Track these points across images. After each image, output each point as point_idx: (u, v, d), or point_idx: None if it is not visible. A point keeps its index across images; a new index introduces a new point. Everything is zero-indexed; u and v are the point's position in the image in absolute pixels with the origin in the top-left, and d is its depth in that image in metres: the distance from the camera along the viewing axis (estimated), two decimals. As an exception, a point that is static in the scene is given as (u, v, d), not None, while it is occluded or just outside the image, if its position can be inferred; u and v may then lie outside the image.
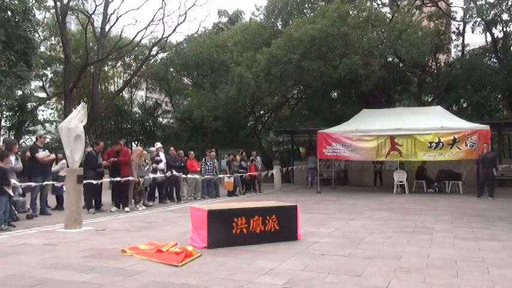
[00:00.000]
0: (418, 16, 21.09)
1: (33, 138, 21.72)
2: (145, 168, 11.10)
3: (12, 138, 19.11)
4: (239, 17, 31.01)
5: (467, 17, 22.33)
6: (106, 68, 26.77)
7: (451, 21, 23.78)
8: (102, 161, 10.62)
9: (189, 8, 24.32)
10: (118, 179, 10.22)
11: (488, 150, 13.53)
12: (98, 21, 22.41)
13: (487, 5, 20.49)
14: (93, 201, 10.33)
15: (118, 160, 10.33)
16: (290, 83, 22.11)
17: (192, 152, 14.36)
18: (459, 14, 23.59)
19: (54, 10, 20.07)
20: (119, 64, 28.26)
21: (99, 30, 21.62)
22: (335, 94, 25.78)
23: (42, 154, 9.46)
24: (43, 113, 25.41)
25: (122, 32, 22.97)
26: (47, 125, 22.36)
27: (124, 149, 11.07)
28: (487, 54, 22.84)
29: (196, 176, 13.48)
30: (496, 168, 13.37)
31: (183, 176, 13.06)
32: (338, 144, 15.22)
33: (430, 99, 23.75)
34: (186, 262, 4.93)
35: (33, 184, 8.94)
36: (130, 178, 10.38)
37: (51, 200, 10.75)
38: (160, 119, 31.19)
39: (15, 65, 13.97)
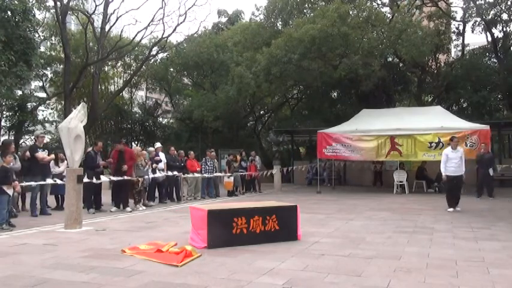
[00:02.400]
0: (418, 16, 21.08)
1: (33, 138, 21.77)
2: (145, 169, 11.09)
3: (12, 138, 19.13)
4: (239, 17, 31.02)
5: (467, 16, 22.33)
6: (106, 68, 26.77)
7: (451, 21, 23.78)
8: (100, 161, 10.59)
9: (189, 8, 24.33)
10: (119, 178, 10.18)
11: (487, 150, 13.51)
12: (98, 21, 22.43)
13: (487, 5, 20.48)
14: (93, 201, 10.32)
15: (127, 167, 10.24)
16: (290, 83, 22.12)
17: (192, 152, 14.36)
18: (459, 14, 23.63)
19: (54, 10, 20.07)
20: (119, 64, 28.26)
21: (99, 30, 21.62)
22: (335, 94, 25.78)
23: (41, 154, 9.47)
24: (43, 113, 25.37)
25: (122, 32, 22.98)
26: (47, 125, 22.35)
27: (128, 150, 10.92)
28: (487, 54, 22.83)
29: (197, 175, 13.47)
30: (494, 169, 13.35)
31: (183, 176, 13.06)
32: (338, 144, 15.22)
33: (430, 99, 23.74)
34: (186, 262, 4.93)
35: (33, 184, 8.94)
36: (131, 178, 10.39)
37: (52, 200, 10.75)
38: (160, 119, 31.17)
39: (15, 65, 13.96)
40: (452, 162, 9.87)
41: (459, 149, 10.09)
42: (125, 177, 10.28)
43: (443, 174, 10.05)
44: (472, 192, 13.90)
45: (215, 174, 14.21)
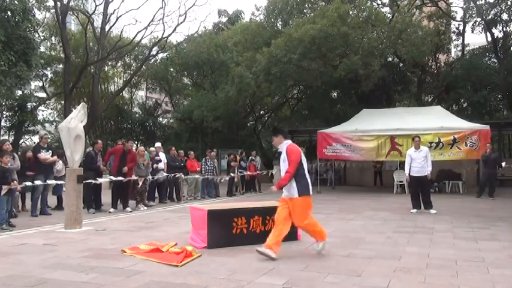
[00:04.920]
0: (418, 16, 21.09)
1: (33, 138, 21.73)
2: (146, 168, 11.09)
3: (12, 138, 19.13)
4: (239, 17, 31.04)
5: (467, 17, 22.31)
6: (106, 68, 26.78)
7: (451, 21, 23.78)
8: (100, 161, 10.52)
9: (189, 8, 24.41)
10: (118, 179, 10.15)
11: (492, 150, 13.50)
12: (98, 21, 22.45)
13: (487, 5, 20.47)
14: (93, 201, 10.29)
15: (127, 169, 10.18)
16: (290, 83, 22.10)
17: (192, 152, 14.35)
18: (459, 14, 23.62)
19: (54, 10, 20.09)
20: (119, 64, 28.29)
21: (99, 30, 21.64)
22: (335, 94, 25.76)
23: (44, 155, 9.44)
24: (43, 113, 25.39)
25: (122, 32, 23.01)
26: (47, 125, 22.36)
27: (133, 152, 10.78)
28: (487, 54, 22.81)
29: (197, 176, 13.47)
30: (500, 166, 13.30)
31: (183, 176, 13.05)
32: (338, 144, 15.22)
33: (430, 99, 23.74)
34: (186, 262, 4.93)
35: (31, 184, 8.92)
36: (132, 178, 10.38)
37: (52, 200, 10.74)
38: (160, 119, 31.20)
39: (15, 65, 13.96)
40: (415, 163, 9.78)
41: (423, 148, 10.08)
42: (121, 178, 10.14)
43: (406, 175, 9.98)
44: (472, 192, 13.91)
45: (215, 174, 14.23)
